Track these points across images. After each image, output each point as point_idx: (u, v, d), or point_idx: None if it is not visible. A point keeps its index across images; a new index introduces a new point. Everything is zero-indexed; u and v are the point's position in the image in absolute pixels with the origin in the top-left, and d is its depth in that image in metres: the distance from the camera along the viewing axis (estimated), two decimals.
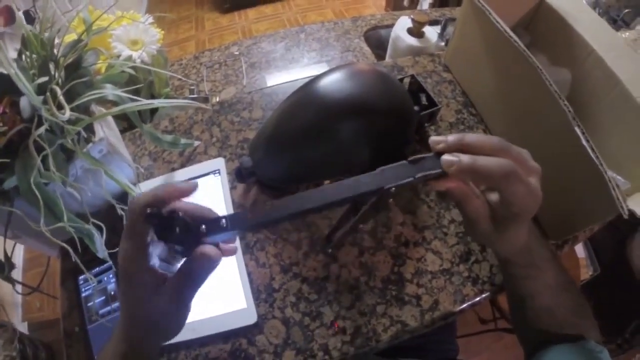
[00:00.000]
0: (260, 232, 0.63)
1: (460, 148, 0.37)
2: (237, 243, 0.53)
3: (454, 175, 0.37)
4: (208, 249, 0.36)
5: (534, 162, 0.39)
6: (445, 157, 0.37)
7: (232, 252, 0.42)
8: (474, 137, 0.38)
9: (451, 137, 0.38)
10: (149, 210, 0.34)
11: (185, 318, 0.40)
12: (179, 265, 0.41)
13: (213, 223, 0.36)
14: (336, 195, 0.37)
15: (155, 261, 0.38)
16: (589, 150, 0.48)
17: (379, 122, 0.55)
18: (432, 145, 0.39)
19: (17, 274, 1.47)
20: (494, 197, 0.41)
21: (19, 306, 1.60)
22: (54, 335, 1.47)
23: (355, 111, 0.54)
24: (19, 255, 1.61)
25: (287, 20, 2.77)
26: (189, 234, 0.36)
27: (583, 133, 0.49)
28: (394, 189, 0.37)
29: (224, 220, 0.36)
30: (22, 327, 1.50)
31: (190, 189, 0.38)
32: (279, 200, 0.37)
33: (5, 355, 1.27)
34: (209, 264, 0.37)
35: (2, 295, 1.46)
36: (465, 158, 0.36)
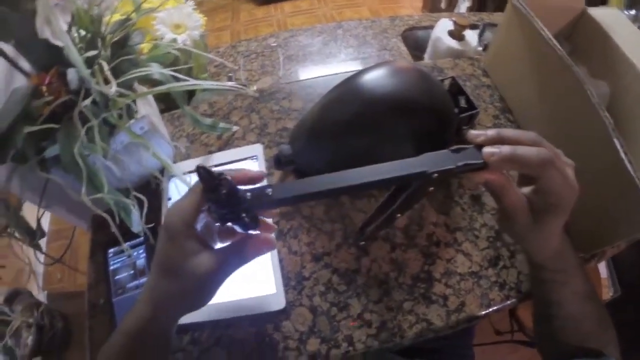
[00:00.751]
0: (294, 218, 0.63)
1: (498, 141, 0.39)
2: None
3: (494, 166, 0.38)
4: (269, 236, 0.39)
5: (567, 158, 0.41)
6: (487, 148, 0.38)
7: (272, 230, 0.44)
8: (512, 131, 0.40)
9: (490, 132, 0.40)
10: (200, 164, 0.35)
11: (215, 292, 0.41)
12: (216, 242, 0.43)
13: (259, 191, 0.37)
14: (379, 175, 0.38)
15: (199, 225, 0.40)
16: (627, 163, 0.47)
17: (420, 120, 0.55)
18: (471, 139, 0.40)
19: (42, 244, 1.51)
20: (529, 190, 0.42)
21: (40, 275, 1.63)
22: (72, 307, 1.50)
23: (398, 108, 0.55)
24: (45, 227, 1.64)
25: (323, 16, 2.77)
26: (234, 198, 0.36)
27: (622, 146, 0.49)
28: (435, 174, 0.38)
29: (269, 190, 0.37)
30: (42, 296, 1.53)
31: (260, 178, 0.41)
32: (323, 175, 0.38)
33: (22, 320, 1.31)
34: (265, 248, 0.40)
35: (24, 264, 1.50)
36: (505, 148, 0.38)
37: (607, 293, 1.30)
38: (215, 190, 0.36)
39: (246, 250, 0.40)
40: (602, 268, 1.31)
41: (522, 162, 0.37)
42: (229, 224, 0.40)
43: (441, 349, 0.77)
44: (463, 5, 1.83)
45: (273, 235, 0.39)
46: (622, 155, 0.48)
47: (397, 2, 2.88)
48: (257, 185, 0.40)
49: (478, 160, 0.38)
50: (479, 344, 1.17)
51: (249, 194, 0.37)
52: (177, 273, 0.38)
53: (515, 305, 0.59)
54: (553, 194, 0.39)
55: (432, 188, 0.41)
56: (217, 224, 0.42)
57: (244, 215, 0.38)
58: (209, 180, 0.36)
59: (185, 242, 0.38)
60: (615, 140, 0.49)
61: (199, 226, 0.40)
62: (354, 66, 1.02)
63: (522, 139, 0.39)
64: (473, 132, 0.40)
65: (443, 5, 2.03)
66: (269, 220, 0.44)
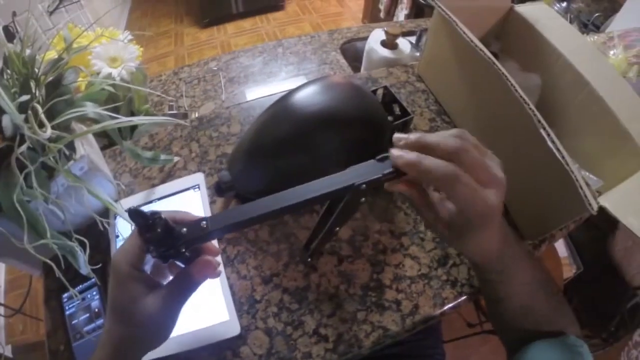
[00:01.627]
0: (240, 243, 0.63)
1: (416, 146, 0.38)
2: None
3: (404, 170, 0.38)
4: (209, 257, 0.40)
5: (496, 172, 0.39)
6: (393, 150, 0.38)
7: (216, 253, 0.44)
8: (433, 137, 0.38)
9: (412, 135, 0.39)
10: (133, 207, 0.35)
11: (173, 326, 0.41)
12: (167, 275, 0.43)
13: (194, 225, 0.37)
14: (310, 193, 0.39)
15: (148, 267, 0.40)
16: (555, 151, 0.49)
17: (353, 133, 0.57)
18: (394, 142, 0.40)
19: None
20: (449, 204, 0.42)
21: (1, 329, 1.56)
22: (38, 358, 1.44)
23: (330, 123, 0.56)
24: (0, 277, 1.58)
25: (266, 34, 2.80)
26: (170, 235, 0.37)
27: (549, 135, 0.51)
28: (364, 185, 0.39)
29: (204, 222, 0.37)
30: (6, 351, 1.47)
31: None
32: (257, 200, 0.39)
33: None
34: (207, 270, 0.40)
35: None
36: (411, 155, 0.37)
37: (570, 271, 1.35)
38: (151, 230, 0.36)
39: (190, 279, 0.40)
40: (561, 247, 1.36)
41: (425, 174, 0.37)
42: (172, 260, 0.40)
43: (409, 351, 0.77)
44: (401, 14, 1.89)
45: (218, 257, 0.40)
46: (549, 144, 0.50)
47: (339, 15, 2.94)
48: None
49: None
50: (450, 340, 1.19)
51: (184, 229, 0.37)
52: (128, 317, 0.38)
53: (470, 300, 0.60)
54: (462, 210, 0.39)
55: (363, 199, 0.42)
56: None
57: (183, 250, 0.38)
58: (143, 221, 0.36)
59: (132, 286, 0.38)
60: (542, 131, 0.51)
61: (148, 266, 0.41)
62: (294, 83, 1.02)
63: (440, 148, 0.37)
64: (397, 136, 0.40)
65: (382, 15, 2.09)
66: (214, 243, 0.44)
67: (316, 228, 0.50)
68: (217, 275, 0.42)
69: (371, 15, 2.34)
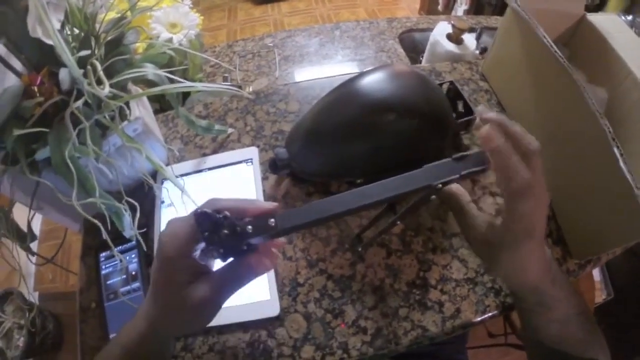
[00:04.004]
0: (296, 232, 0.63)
1: (503, 129, 0.36)
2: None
3: (489, 150, 0.36)
4: (264, 257, 0.37)
5: (546, 192, 0.38)
6: (486, 128, 0.36)
7: (275, 257, 0.41)
8: (518, 128, 0.37)
9: (502, 116, 0.37)
10: (199, 211, 0.34)
11: (214, 316, 0.40)
12: (214, 262, 0.41)
13: (261, 222, 0.35)
14: (386, 193, 0.37)
15: (197, 253, 0.38)
16: (625, 172, 0.47)
17: (418, 124, 0.55)
18: (480, 112, 0.38)
19: (33, 245, 1.49)
20: (494, 220, 0.42)
21: (31, 275, 1.62)
22: (64, 307, 1.49)
23: (396, 111, 0.54)
24: (36, 227, 1.63)
25: (320, 16, 2.78)
26: (235, 235, 0.35)
27: (622, 155, 0.48)
28: (440, 185, 0.38)
29: (272, 220, 0.35)
30: (33, 297, 1.52)
31: (273, 210, 0.37)
32: (329, 198, 0.37)
33: (14, 321, 1.30)
34: (260, 270, 0.37)
35: (16, 264, 1.48)
36: (503, 143, 0.35)
37: (600, 296, 1.31)
38: (216, 231, 0.34)
39: (247, 272, 0.38)
40: (595, 271, 1.32)
41: (508, 170, 0.35)
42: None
43: (435, 353, 0.77)
44: (460, 8, 1.84)
45: (275, 251, 0.38)
46: (622, 164, 0.48)
47: (395, 4, 2.89)
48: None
49: (480, 167, 0.38)
50: (471, 347, 1.17)
51: (250, 227, 0.35)
52: (170, 302, 0.37)
53: (509, 312, 0.59)
54: (510, 224, 0.38)
55: (433, 196, 0.40)
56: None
57: (245, 248, 0.36)
58: (210, 225, 0.34)
59: (176, 275, 0.37)
60: (615, 150, 0.49)
61: (198, 252, 0.39)
62: (351, 68, 1.02)
63: (523, 144, 0.36)
64: (482, 108, 0.38)
65: (440, 7, 2.04)
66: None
67: (373, 219, 0.49)
68: (269, 270, 0.40)
69: (429, 8, 2.29)
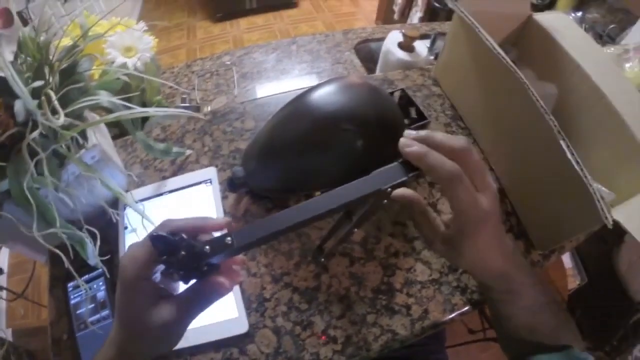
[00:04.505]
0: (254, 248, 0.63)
1: (427, 143, 0.40)
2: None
3: (412, 160, 0.39)
4: (222, 278, 0.37)
5: (490, 181, 0.41)
6: (403, 140, 0.40)
7: (238, 276, 0.42)
8: (441, 135, 0.40)
9: (422, 132, 0.41)
10: (154, 233, 0.34)
11: (180, 337, 0.40)
12: (177, 284, 0.41)
13: (218, 242, 0.36)
14: (338, 201, 0.38)
15: (157, 275, 0.38)
16: (574, 163, 0.49)
17: (370, 134, 0.56)
18: (405, 136, 0.41)
19: (1, 280, 1.44)
20: (448, 218, 0.45)
21: (2, 313, 1.56)
22: (38, 343, 1.44)
23: (347, 122, 0.55)
24: (3, 261, 1.58)
25: (279, 31, 2.80)
26: (193, 255, 0.35)
27: (568, 147, 0.50)
28: (390, 189, 0.39)
29: (228, 238, 0.35)
30: (6, 334, 1.47)
31: (227, 224, 0.39)
32: (282, 212, 0.37)
33: None
34: (222, 291, 0.38)
35: None
36: (420, 147, 0.39)
37: (574, 282, 1.35)
38: (174, 253, 0.34)
39: (209, 294, 0.38)
40: (567, 259, 1.36)
41: (431, 167, 0.38)
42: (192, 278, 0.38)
43: (414, 355, 0.77)
44: (415, 16, 1.88)
45: (222, 277, 0.38)
46: (569, 155, 0.49)
47: (352, 15, 2.94)
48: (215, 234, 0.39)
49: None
50: (451, 346, 1.19)
51: (207, 247, 0.35)
52: (133, 325, 0.37)
53: (477, 308, 0.60)
54: (457, 210, 0.40)
55: (386, 201, 0.42)
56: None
57: (205, 268, 0.37)
58: (166, 246, 0.34)
59: (139, 296, 0.37)
60: (562, 142, 0.51)
61: (157, 274, 0.39)
62: (308, 81, 1.03)
63: (446, 146, 0.39)
64: (407, 131, 0.42)
65: (396, 16, 2.08)
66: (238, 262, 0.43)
67: (332, 229, 0.49)
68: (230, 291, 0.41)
69: (385, 17, 2.33)
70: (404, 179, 0.39)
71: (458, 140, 0.40)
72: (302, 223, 0.37)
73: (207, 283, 0.38)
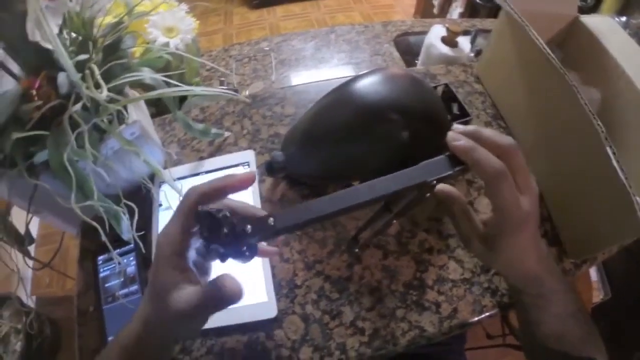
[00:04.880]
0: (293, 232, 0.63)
1: (474, 138, 0.40)
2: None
3: (459, 154, 0.39)
4: (236, 285, 0.36)
5: (533, 182, 0.41)
6: (451, 133, 0.41)
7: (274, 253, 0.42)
8: (489, 132, 0.40)
9: (470, 127, 0.41)
10: (200, 208, 0.34)
11: (200, 326, 0.40)
12: (212, 262, 0.41)
13: (259, 223, 0.36)
14: (382, 190, 0.38)
15: (192, 253, 0.38)
16: (619, 172, 0.48)
17: (414, 126, 0.55)
18: (452, 129, 0.42)
19: (30, 249, 1.48)
20: (487, 217, 0.45)
21: (28, 280, 1.61)
22: (61, 312, 1.49)
23: (391, 113, 0.54)
24: (33, 231, 1.62)
25: (315, 20, 2.79)
26: (235, 234, 0.35)
27: (614, 154, 0.49)
28: (435, 182, 0.39)
29: (271, 219, 0.35)
30: (30, 301, 1.52)
31: (251, 179, 0.39)
32: (327, 197, 0.37)
33: (11, 326, 1.29)
34: (237, 297, 0.36)
35: (13, 268, 1.48)
36: (467, 141, 0.39)
37: (598, 296, 1.32)
38: (216, 230, 0.34)
39: (230, 296, 0.36)
40: (593, 271, 1.33)
41: (477, 163, 0.38)
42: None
43: (434, 354, 0.77)
44: (455, 12, 1.85)
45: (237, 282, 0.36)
46: (615, 163, 0.48)
47: (390, 7, 2.90)
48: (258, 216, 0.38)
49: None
50: (470, 348, 1.18)
51: (249, 227, 0.35)
52: (160, 302, 0.37)
53: (506, 312, 0.59)
54: (498, 209, 0.40)
55: (429, 194, 0.41)
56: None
57: (244, 249, 0.36)
58: (211, 223, 0.35)
59: (170, 273, 0.37)
60: (608, 149, 0.49)
61: (193, 253, 0.39)
62: (346, 71, 1.03)
63: (494, 143, 0.39)
64: (455, 125, 0.42)
65: (435, 11, 2.05)
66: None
67: (369, 220, 0.49)
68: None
69: (424, 11, 2.30)
70: (449, 172, 0.39)
71: (506, 139, 0.40)
72: (344, 210, 0.37)
73: (228, 284, 0.36)
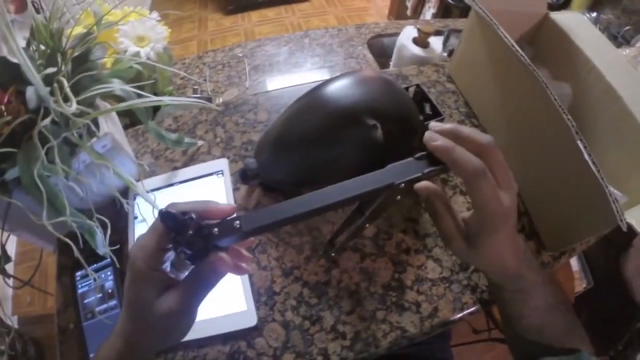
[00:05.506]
0: (263, 235, 0.63)
1: (452, 136, 0.39)
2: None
3: (437, 153, 0.38)
4: (221, 253, 0.36)
5: (512, 179, 0.41)
6: (429, 133, 0.39)
7: (247, 259, 0.42)
8: (468, 130, 0.40)
9: (448, 125, 0.40)
10: (163, 210, 0.34)
11: (189, 325, 0.40)
12: (187, 273, 0.41)
13: (226, 225, 0.36)
14: (349, 192, 0.38)
15: (167, 265, 0.38)
16: (591, 164, 0.48)
17: (389, 128, 0.55)
18: (430, 128, 0.41)
19: (8, 268, 1.45)
20: (468, 214, 0.45)
21: (9, 300, 1.58)
22: (43, 330, 1.46)
23: (362, 116, 0.54)
24: (11, 248, 1.59)
25: (290, 25, 2.79)
26: (201, 236, 0.35)
27: (585, 147, 0.50)
28: (403, 184, 0.38)
29: (237, 222, 0.35)
30: (11, 321, 1.48)
31: (231, 211, 0.38)
32: (293, 200, 0.37)
33: None
34: (222, 269, 0.37)
35: None
36: (446, 141, 0.38)
37: (580, 285, 1.34)
38: (181, 232, 0.34)
39: (205, 277, 0.37)
40: (574, 261, 1.35)
41: (456, 162, 0.38)
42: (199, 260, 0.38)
43: (417, 354, 0.77)
44: (428, 12, 1.87)
45: (222, 253, 0.37)
46: (586, 156, 0.49)
47: (364, 10, 2.92)
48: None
49: (443, 165, 0.39)
50: (455, 345, 1.18)
51: (216, 229, 0.35)
52: (141, 318, 0.37)
53: (487, 308, 0.60)
54: (480, 207, 0.40)
55: (399, 196, 0.41)
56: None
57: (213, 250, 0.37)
58: (174, 224, 0.34)
59: (146, 286, 0.36)
60: (579, 142, 0.50)
61: (167, 262, 0.38)
62: (320, 75, 1.03)
63: (474, 141, 0.39)
64: (433, 123, 0.41)
65: (409, 12, 2.07)
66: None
67: (343, 223, 0.49)
68: (246, 272, 0.41)
69: (397, 12, 2.32)
70: (418, 175, 0.39)
71: (484, 136, 0.39)
72: (312, 212, 0.37)
73: (208, 262, 0.37)
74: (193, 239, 0.35)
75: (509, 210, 0.40)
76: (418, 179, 0.39)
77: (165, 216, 0.34)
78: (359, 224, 0.46)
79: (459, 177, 0.46)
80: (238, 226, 0.35)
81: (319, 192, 0.37)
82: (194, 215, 0.35)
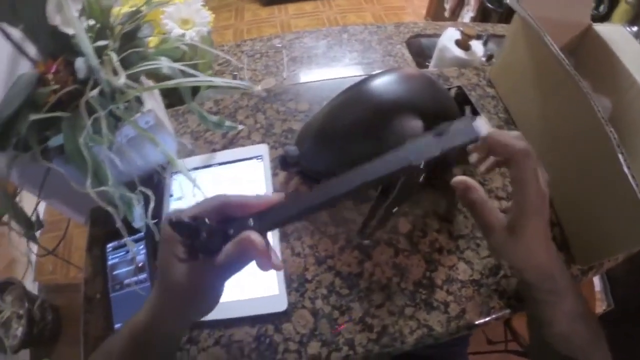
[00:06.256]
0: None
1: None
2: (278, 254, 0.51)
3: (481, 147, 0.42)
4: (254, 235, 0.35)
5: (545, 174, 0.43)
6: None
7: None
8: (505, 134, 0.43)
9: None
10: (173, 220, 0.33)
11: (215, 302, 0.40)
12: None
13: (240, 225, 0.36)
14: (365, 177, 0.37)
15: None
16: (630, 178, 0.48)
17: (426, 125, 0.55)
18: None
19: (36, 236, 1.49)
20: (507, 206, 0.47)
21: (32, 266, 1.62)
22: (63, 299, 1.49)
23: (405, 112, 0.55)
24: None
25: (327, 19, 2.78)
26: (216, 237, 0.35)
27: (625, 160, 0.49)
28: (422, 164, 0.37)
29: (250, 220, 0.35)
30: (33, 287, 1.52)
31: (265, 204, 0.37)
32: (305, 192, 0.37)
33: (13, 311, 1.29)
34: (252, 252, 0.36)
35: (17, 255, 1.48)
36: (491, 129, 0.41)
37: (600, 306, 1.31)
38: (194, 236, 0.34)
39: (237, 257, 0.36)
40: (596, 281, 1.32)
41: (504, 144, 0.41)
42: None
43: (438, 355, 0.77)
44: (467, 15, 1.85)
45: (256, 234, 0.36)
46: (626, 169, 0.48)
47: (401, 9, 2.89)
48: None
49: (463, 142, 0.40)
50: (471, 353, 1.17)
51: (231, 230, 0.35)
52: (167, 278, 0.37)
53: (513, 313, 0.59)
54: (522, 187, 0.41)
55: (422, 177, 0.40)
56: None
57: None
58: (185, 230, 0.34)
59: (174, 246, 0.36)
60: (620, 156, 0.49)
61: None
62: (358, 71, 1.03)
63: (512, 142, 0.41)
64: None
65: (447, 14, 2.05)
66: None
67: (372, 208, 0.49)
68: (279, 268, 0.39)
69: (435, 13, 2.29)
70: (438, 152, 0.38)
71: (522, 143, 0.41)
72: (330, 202, 0.36)
73: (238, 242, 0.36)
74: (207, 242, 0.35)
75: (547, 196, 0.42)
76: (437, 158, 0.39)
77: (175, 225, 0.34)
78: (386, 208, 0.45)
79: (499, 164, 0.49)
80: (251, 224, 0.35)
81: (334, 181, 0.37)
82: (207, 220, 0.35)
